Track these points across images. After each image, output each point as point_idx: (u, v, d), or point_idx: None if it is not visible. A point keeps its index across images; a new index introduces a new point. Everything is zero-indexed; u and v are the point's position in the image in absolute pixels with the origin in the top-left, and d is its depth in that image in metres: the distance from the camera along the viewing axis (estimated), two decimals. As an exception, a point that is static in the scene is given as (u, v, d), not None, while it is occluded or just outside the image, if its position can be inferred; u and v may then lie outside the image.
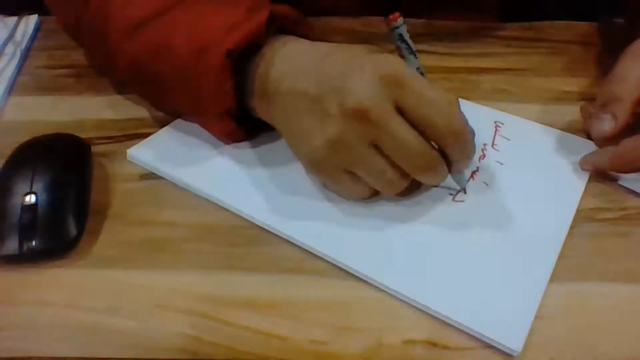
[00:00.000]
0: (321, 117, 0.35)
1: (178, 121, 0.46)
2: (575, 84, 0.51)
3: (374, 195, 0.39)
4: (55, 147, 0.42)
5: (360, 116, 0.33)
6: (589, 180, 0.42)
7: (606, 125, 0.41)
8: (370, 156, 0.35)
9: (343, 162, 0.36)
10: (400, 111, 0.34)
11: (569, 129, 0.46)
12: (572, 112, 0.47)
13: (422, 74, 0.38)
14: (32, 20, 0.60)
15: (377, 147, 0.35)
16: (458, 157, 0.37)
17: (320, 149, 0.35)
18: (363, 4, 0.60)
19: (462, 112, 0.35)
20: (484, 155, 0.44)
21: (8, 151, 0.41)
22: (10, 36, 0.57)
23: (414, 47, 0.37)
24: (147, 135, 0.45)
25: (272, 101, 0.39)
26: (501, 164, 0.43)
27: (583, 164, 0.42)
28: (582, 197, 0.41)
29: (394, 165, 0.35)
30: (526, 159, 0.43)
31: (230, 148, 0.44)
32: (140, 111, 0.49)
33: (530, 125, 0.47)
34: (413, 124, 0.34)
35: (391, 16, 0.36)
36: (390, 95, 0.34)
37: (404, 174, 0.36)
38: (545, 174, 0.42)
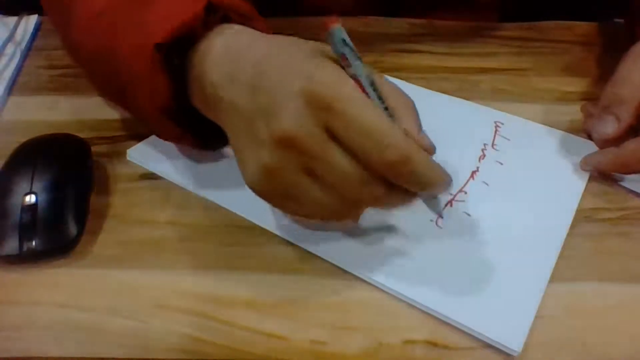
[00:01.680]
0: (254, 140, 0.31)
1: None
2: (575, 84, 0.51)
3: (325, 219, 0.35)
4: (55, 147, 0.42)
5: (288, 145, 0.30)
6: (589, 180, 0.42)
7: (609, 127, 0.41)
8: (306, 185, 0.31)
9: (280, 190, 0.32)
10: (334, 138, 0.30)
11: (569, 129, 0.46)
12: (572, 112, 0.47)
13: (372, 82, 0.31)
14: (32, 20, 0.60)
15: (315, 175, 0.31)
16: (412, 188, 0.31)
17: (256, 176, 0.32)
18: (362, 3, 0.60)
19: (407, 141, 0.29)
20: (484, 155, 0.44)
21: (8, 151, 0.41)
22: (10, 36, 0.57)
23: (356, 53, 0.30)
24: (147, 135, 0.45)
25: (214, 108, 0.35)
26: (501, 164, 0.43)
27: (584, 165, 0.42)
28: (582, 197, 0.41)
29: (336, 193, 0.31)
30: (526, 159, 0.43)
31: (229, 150, 0.44)
32: (140, 111, 0.48)
33: (530, 125, 0.47)
34: (348, 151, 0.30)
35: (327, 20, 0.29)
36: (320, 120, 0.29)
37: (343, 200, 0.32)
38: (545, 174, 0.42)
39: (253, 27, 0.37)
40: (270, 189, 0.33)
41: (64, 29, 0.44)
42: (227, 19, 0.36)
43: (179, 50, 0.35)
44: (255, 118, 0.31)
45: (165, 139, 0.41)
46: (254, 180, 0.32)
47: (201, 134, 0.39)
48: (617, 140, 0.41)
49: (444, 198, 0.40)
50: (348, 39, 0.30)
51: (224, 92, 0.33)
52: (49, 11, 0.49)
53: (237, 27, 0.36)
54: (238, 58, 0.33)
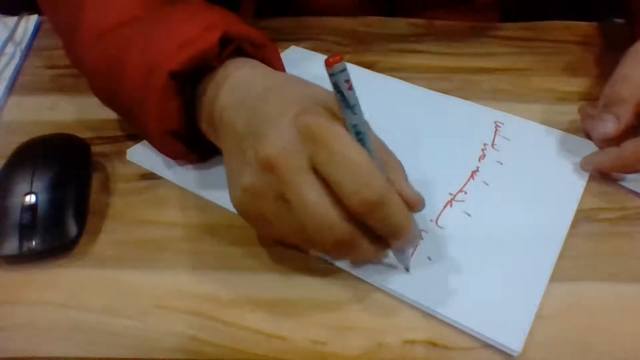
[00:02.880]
0: (241, 160, 0.32)
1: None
2: (575, 84, 0.51)
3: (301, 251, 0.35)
4: (55, 147, 0.42)
5: (269, 168, 0.30)
6: (589, 180, 0.42)
7: (609, 126, 0.41)
8: (280, 211, 0.31)
9: (257, 211, 0.32)
10: (317, 172, 0.30)
11: (569, 129, 0.46)
12: (572, 112, 0.47)
13: (359, 132, 0.30)
14: (32, 20, 0.60)
15: (286, 203, 0.31)
16: (382, 232, 0.31)
17: (238, 193, 0.33)
18: (361, 3, 0.60)
19: (385, 185, 0.29)
20: (484, 155, 0.44)
21: (8, 151, 0.41)
22: (10, 36, 0.57)
23: (353, 99, 0.30)
24: (147, 135, 0.45)
25: (217, 129, 0.36)
26: (501, 164, 0.43)
27: (584, 165, 0.42)
28: (582, 197, 0.41)
29: (302, 230, 0.31)
30: (526, 159, 0.44)
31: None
32: (140, 111, 0.48)
33: (530, 125, 0.47)
34: (328, 187, 0.30)
35: (330, 59, 0.28)
36: (306, 150, 0.30)
37: (314, 242, 0.31)
38: (545, 174, 0.42)
39: (265, 54, 0.39)
40: (248, 209, 0.33)
41: (68, 38, 0.44)
42: (240, 48, 0.38)
43: (190, 77, 0.37)
44: (247, 139, 0.32)
45: (167, 156, 0.42)
46: (236, 199, 0.33)
47: (200, 151, 0.41)
48: (617, 140, 0.41)
49: (442, 193, 0.40)
50: (344, 85, 0.29)
51: (228, 113, 0.35)
52: (49, 13, 0.50)
53: (253, 62, 0.38)
54: (249, 87, 0.35)
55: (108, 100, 0.44)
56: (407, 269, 0.35)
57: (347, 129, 0.30)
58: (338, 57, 0.29)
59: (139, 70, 0.37)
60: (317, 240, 0.31)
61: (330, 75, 0.29)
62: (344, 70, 0.29)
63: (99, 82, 0.43)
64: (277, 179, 0.30)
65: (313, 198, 0.29)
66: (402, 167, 0.33)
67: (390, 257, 0.35)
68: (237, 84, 0.36)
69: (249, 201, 0.32)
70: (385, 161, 0.32)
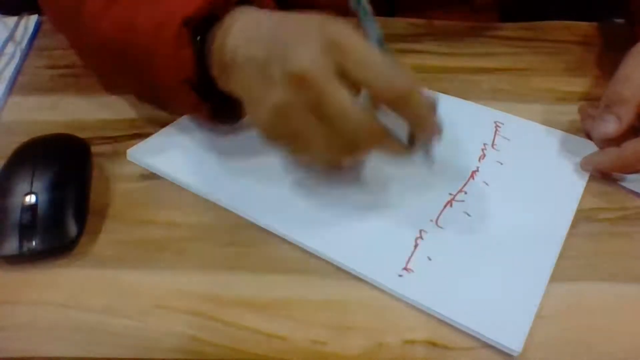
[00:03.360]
0: (267, 84, 0.34)
1: (178, 121, 0.46)
2: (575, 84, 0.51)
3: (329, 165, 0.38)
4: (55, 147, 0.42)
5: (300, 82, 0.32)
6: (589, 180, 0.42)
7: (610, 126, 0.41)
8: (313, 123, 0.34)
9: (289, 129, 0.35)
10: (345, 77, 0.33)
11: (569, 129, 0.46)
12: (572, 112, 0.47)
13: (380, 40, 0.35)
14: (32, 20, 0.60)
15: (321, 115, 0.33)
16: (411, 120, 0.34)
17: (267, 116, 0.35)
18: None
19: (414, 79, 0.33)
20: (484, 156, 0.44)
21: (8, 151, 0.41)
22: (10, 36, 0.57)
23: (370, 12, 0.35)
24: (147, 135, 0.45)
25: (230, 71, 0.38)
26: (501, 164, 0.43)
27: (584, 165, 0.42)
28: (582, 197, 0.41)
29: (339, 133, 0.33)
30: (526, 159, 0.44)
31: (230, 149, 0.44)
32: (140, 111, 0.49)
33: (530, 125, 0.47)
34: (358, 90, 0.33)
35: None
36: (332, 61, 0.32)
37: (338, 146, 0.34)
38: (545, 174, 0.42)
39: (263, 4, 0.40)
40: (279, 129, 0.35)
41: (72, 20, 0.45)
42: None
43: (198, 28, 0.39)
44: (271, 63, 0.34)
45: (180, 110, 0.43)
46: (265, 121, 0.35)
47: (212, 102, 0.42)
48: (617, 140, 0.41)
49: (442, 193, 0.40)
50: (364, 0, 0.34)
51: (241, 51, 0.36)
52: (49, 7, 0.50)
53: (256, 8, 0.39)
54: (258, 26, 0.37)
55: (120, 67, 0.44)
56: (431, 164, 0.38)
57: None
58: None
59: (151, 23, 0.39)
60: (353, 139, 0.34)
61: None
62: None
63: (109, 51, 0.43)
64: (311, 90, 0.32)
65: (347, 99, 0.32)
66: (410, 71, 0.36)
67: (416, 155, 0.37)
68: (245, 26, 0.38)
69: (281, 121, 0.34)
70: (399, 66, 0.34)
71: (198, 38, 0.39)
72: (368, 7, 0.35)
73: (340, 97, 0.32)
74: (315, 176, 0.39)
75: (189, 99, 0.41)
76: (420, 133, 0.36)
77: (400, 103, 0.33)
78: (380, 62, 0.32)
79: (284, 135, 0.36)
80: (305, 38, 0.33)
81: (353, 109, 0.33)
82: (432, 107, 0.35)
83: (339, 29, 0.33)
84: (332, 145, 0.34)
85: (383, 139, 0.35)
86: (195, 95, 0.41)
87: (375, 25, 0.35)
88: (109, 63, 0.45)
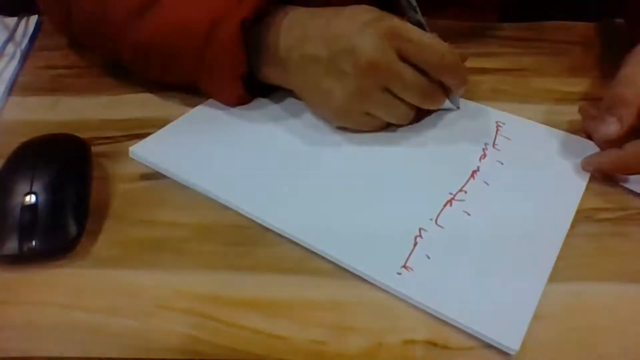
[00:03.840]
0: (339, 77, 0.41)
1: (180, 119, 0.46)
2: (575, 84, 0.51)
3: (387, 126, 0.45)
4: (55, 147, 0.42)
5: (372, 69, 0.40)
6: (590, 180, 0.42)
7: (612, 128, 0.41)
8: (385, 98, 0.42)
9: (364, 108, 0.43)
10: (403, 58, 0.40)
11: (570, 129, 0.46)
12: (572, 112, 0.47)
13: (421, 24, 0.43)
14: (32, 20, 0.60)
15: (388, 90, 0.41)
16: (454, 84, 0.44)
17: (345, 103, 0.42)
18: (363, 3, 0.60)
19: (454, 51, 0.42)
20: (485, 155, 0.44)
21: (8, 151, 0.41)
22: (10, 36, 0.57)
23: (414, 2, 0.42)
24: (147, 135, 0.45)
25: (286, 68, 0.43)
26: (502, 163, 0.43)
27: (585, 165, 0.42)
28: (583, 197, 0.41)
29: (403, 101, 0.43)
30: (527, 159, 0.44)
31: (232, 146, 0.44)
32: (140, 111, 0.49)
33: (531, 125, 0.47)
34: (414, 66, 0.41)
35: None
36: (392, 46, 0.40)
37: (411, 106, 0.43)
38: (545, 174, 0.42)
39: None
40: (355, 111, 0.43)
41: (92, 28, 0.48)
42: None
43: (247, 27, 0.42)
44: (336, 59, 0.40)
45: (229, 102, 0.47)
46: (340, 107, 0.42)
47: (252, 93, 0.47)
48: (618, 141, 0.41)
49: (442, 192, 0.40)
50: None
51: (297, 51, 0.42)
52: (51, 10, 0.50)
53: (293, 6, 0.45)
54: (304, 24, 0.43)
55: (162, 65, 0.47)
56: (458, 107, 0.48)
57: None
58: None
59: (206, 25, 0.42)
60: (416, 103, 0.43)
61: None
62: None
63: (150, 53, 0.46)
64: (382, 73, 0.40)
65: (413, 75, 0.41)
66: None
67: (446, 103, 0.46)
68: (291, 25, 0.43)
69: (355, 104, 0.42)
70: (441, 41, 0.42)
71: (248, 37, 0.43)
72: (413, 0, 0.42)
73: (407, 74, 0.41)
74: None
75: (237, 92, 0.46)
76: (458, 90, 0.45)
77: (450, 72, 0.42)
78: (431, 43, 0.41)
79: (358, 115, 0.43)
80: (365, 31, 0.40)
81: (418, 81, 0.41)
82: (464, 60, 0.45)
83: (389, 19, 0.41)
84: (401, 110, 0.43)
85: (440, 97, 0.44)
86: (243, 89, 0.45)
87: (418, 12, 0.43)
88: (147, 60, 0.47)
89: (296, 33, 0.43)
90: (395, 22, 0.41)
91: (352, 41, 0.40)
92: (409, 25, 0.41)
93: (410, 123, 0.45)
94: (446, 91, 0.45)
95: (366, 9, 0.42)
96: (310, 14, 0.43)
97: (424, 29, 0.43)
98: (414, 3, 0.43)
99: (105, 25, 0.46)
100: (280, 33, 0.43)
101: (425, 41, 0.41)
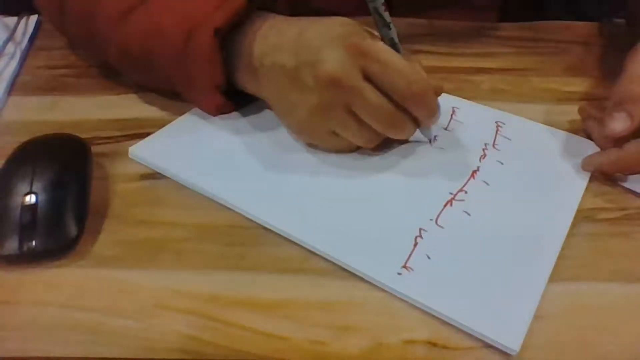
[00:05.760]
0: (301, 89, 0.39)
1: (180, 120, 0.46)
2: (575, 84, 0.51)
3: (356, 149, 0.43)
4: (55, 147, 0.42)
5: (333, 84, 0.37)
6: (590, 180, 0.42)
7: (620, 124, 0.40)
8: (346, 119, 0.39)
9: (326, 125, 0.40)
10: (368, 78, 0.38)
11: (569, 129, 0.46)
12: (572, 112, 0.47)
13: (395, 44, 0.39)
14: (32, 20, 0.60)
15: (352, 110, 0.39)
16: (422, 115, 0.40)
17: (304, 117, 0.40)
18: (358, 3, 0.60)
19: (426, 79, 0.39)
20: (485, 155, 0.44)
21: (8, 151, 0.41)
22: (10, 36, 0.57)
23: (388, 19, 0.39)
24: (147, 135, 0.45)
25: (258, 76, 0.42)
26: (502, 163, 0.43)
27: (585, 165, 0.42)
28: (583, 197, 0.41)
29: (368, 124, 0.39)
30: (527, 159, 0.44)
31: (232, 147, 0.44)
32: (140, 111, 0.49)
33: (531, 125, 0.47)
34: (380, 89, 0.38)
35: None
36: (357, 64, 0.37)
37: (376, 132, 0.40)
38: (545, 174, 0.42)
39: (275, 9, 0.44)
40: (316, 127, 0.41)
41: (84, 29, 0.47)
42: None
43: (224, 34, 0.41)
44: (300, 70, 0.38)
45: (209, 110, 0.46)
46: (302, 121, 0.40)
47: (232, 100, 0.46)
48: (620, 141, 0.41)
49: (442, 192, 0.40)
50: (381, 8, 0.38)
51: (269, 58, 0.40)
52: (49, 11, 0.50)
53: (274, 15, 0.43)
54: (280, 33, 0.41)
55: (142, 72, 0.47)
56: (431, 141, 0.44)
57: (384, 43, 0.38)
58: None
59: (180, 33, 0.42)
60: (379, 129, 0.40)
61: (370, 1, 0.38)
62: None
63: (130, 58, 0.45)
64: (342, 91, 0.37)
65: (375, 98, 0.38)
66: (422, 65, 0.41)
67: (416, 134, 0.43)
68: (268, 32, 0.41)
69: (317, 119, 0.40)
70: (414, 65, 0.39)
71: (223, 45, 0.41)
72: (386, 15, 0.38)
73: (370, 95, 0.38)
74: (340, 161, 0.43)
75: (215, 101, 0.45)
76: (427, 121, 0.41)
77: (417, 103, 0.39)
78: (400, 67, 0.37)
79: (321, 132, 0.41)
80: (330, 44, 0.38)
81: (381, 105, 0.38)
82: (438, 94, 0.41)
83: (361, 34, 0.38)
84: (363, 134, 0.40)
85: (405, 126, 0.40)
86: (222, 98, 0.44)
87: (392, 29, 0.39)
88: (129, 64, 0.47)
89: (271, 41, 0.41)
90: (367, 39, 0.38)
91: (318, 53, 0.38)
92: (382, 45, 0.38)
93: (380, 149, 0.43)
94: (416, 121, 0.41)
95: (343, 22, 0.40)
96: (288, 23, 0.41)
97: (397, 49, 0.39)
98: (388, 19, 0.39)
99: (94, 26, 0.45)
100: (256, 40, 0.41)
101: (394, 63, 0.37)
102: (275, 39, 0.41)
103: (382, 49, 0.38)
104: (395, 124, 0.40)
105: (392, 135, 0.41)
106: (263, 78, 0.42)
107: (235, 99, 0.46)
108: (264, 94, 0.43)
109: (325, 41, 0.38)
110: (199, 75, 0.43)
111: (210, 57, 0.41)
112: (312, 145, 0.43)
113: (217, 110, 0.46)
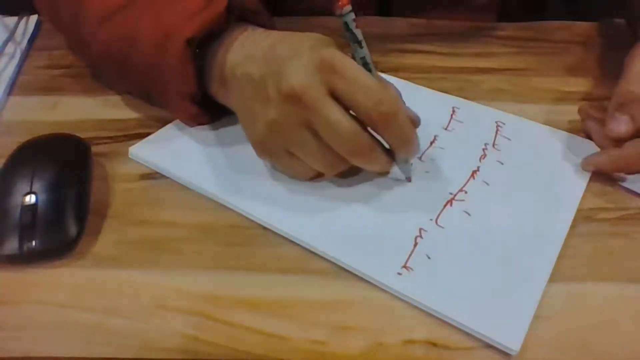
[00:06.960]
0: (262, 100, 0.37)
1: (179, 120, 0.46)
2: (575, 84, 0.51)
3: (318, 176, 0.40)
4: (55, 147, 0.42)
5: (294, 99, 0.35)
6: (590, 180, 0.42)
7: (624, 126, 0.40)
8: (306, 138, 0.36)
9: (283, 143, 0.37)
10: (335, 96, 0.35)
11: (569, 129, 0.46)
12: (572, 112, 0.47)
13: (366, 63, 0.36)
14: (32, 20, 0.60)
15: (313, 130, 0.36)
16: (393, 142, 0.37)
17: (262, 131, 0.37)
18: (357, 3, 0.60)
19: (401, 101, 0.37)
20: (485, 155, 0.44)
21: (8, 151, 0.41)
22: (10, 36, 0.57)
23: (360, 36, 0.36)
24: (147, 135, 0.45)
25: (228, 86, 0.40)
26: (502, 163, 0.43)
27: (585, 165, 0.42)
28: (583, 197, 0.41)
29: (330, 148, 0.36)
30: (527, 159, 0.44)
31: (231, 147, 0.44)
32: (140, 111, 0.49)
33: (531, 125, 0.47)
34: (346, 109, 0.35)
35: (339, 2, 0.35)
36: (323, 80, 0.35)
37: (340, 157, 0.37)
38: (545, 174, 0.42)
39: (259, 21, 0.43)
40: (273, 144, 0.38)
41: (71, 28, 0.47)
42: (241, 15, 0.42)
43: (199, 44, 0.41)
44: (266, 80, 0.36)
45: (183, 119, 0.45)
46: (260, 135, 0.38)
47: (210, 111, 0.45)
48: (619, 141, 0.41)
49: (442, 192, 0.40)
50: (352, 24, 0.35)
51: (240, 68, 0.39)
52: (46, 9, 0.50)
53: (254, 26, 0.42)
54: (255, 43, 0.39)
55: (119, 77, 0.47)
56: (408, 179, 0.41)
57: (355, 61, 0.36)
58: (346, 0, 0.35)
59: (153, 41, 0.41)
60: (341, 153, 0.36)
61: (340, 15, 0.35)
62: (351, 11, 0.35)
63: (109, 62, 0.45)
64: (303, 107, 0.35)
65: (338, 116, 0.34)
66: (399, 92, 0.38)
67: (394, 171, 0.40)
68: (244, 43, 0.40)
69: (274, 136, 0.37)
70: (386, 87, 0.36)
71: (197, 52, 0.41)
72: (357, 32, 0.36)
73: (332, 113, 0.34)
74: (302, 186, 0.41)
75: (189, 111, 0.44)
76: (400, 153, 0.38)
77: (385, 125, 0.35)
78: (368, 85, 0.34)
79: (277, 152, 0.38)
80: (299, 57, 0.35)
81: (344, 125, 0.35)
82: (413, 128, 0.37)
83: (331, 50, 0.35)
84: (324, 158, 0.37)
85: (372, 154, 0.37)
86: (196, 108, 0.43)
87: (363, 48, 0.36)
88: (108, 68, 0.47)
89: (245, 52, 0.39)
90: (336, 54, 0.35)
91: (283, 65, 0.35)
92: (351, 62, 0.35)
93: (344, 177, 0.40)
94: (390, 152, 0.38)
95: (316, 37, 0.37)
96: (265, 35, 0.40)
97: (368, 68, 0.36)
98: (360, 37, 0.36)
99: (78, 27, 0.45)
100: (231, 51, 0.40)
101: (361, 80, 0.34)
102: (250, 50, 0.39)
103: (350, 66, 0.35)
104: (361, 148, 0.36)
105: (361, 163, 0.38)
106: (232, 88, 0.40)
107: (216, 109, 0.44)
108: (232, 104, 0.41)
109: (293, 53, 0.36)
110: (171, 84, 0.42)
111: (182, 66, 0.40)
112: (274, 167, 0.41)
113: (193, 121, 0.45)
